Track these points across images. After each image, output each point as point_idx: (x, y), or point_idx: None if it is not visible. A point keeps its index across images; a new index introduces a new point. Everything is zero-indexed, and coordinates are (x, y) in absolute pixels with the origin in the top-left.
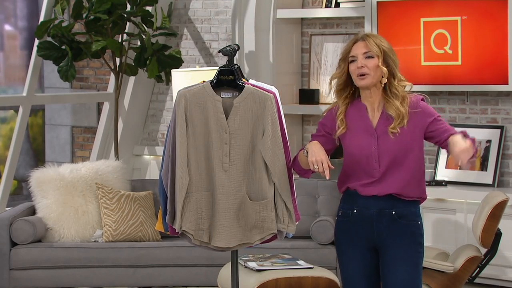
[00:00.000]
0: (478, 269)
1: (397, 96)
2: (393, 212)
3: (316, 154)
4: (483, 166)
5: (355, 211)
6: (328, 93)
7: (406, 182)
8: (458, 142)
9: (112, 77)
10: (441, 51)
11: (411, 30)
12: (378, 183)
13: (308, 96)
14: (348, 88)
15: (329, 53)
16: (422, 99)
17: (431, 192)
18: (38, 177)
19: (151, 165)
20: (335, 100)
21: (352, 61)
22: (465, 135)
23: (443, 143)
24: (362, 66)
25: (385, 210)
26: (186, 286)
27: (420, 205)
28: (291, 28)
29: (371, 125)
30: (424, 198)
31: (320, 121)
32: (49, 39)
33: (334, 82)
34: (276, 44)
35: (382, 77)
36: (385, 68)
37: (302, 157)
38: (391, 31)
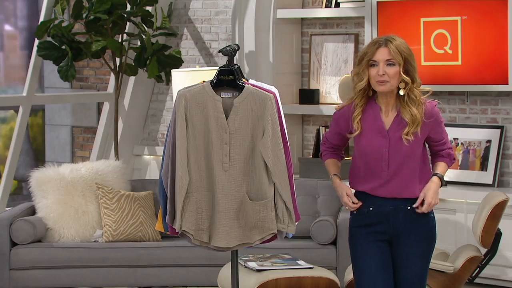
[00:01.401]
0: (478, 269)
1: (414, 101)
2: (408, 208)
3: (343, 197)
4: (483, 166)
5: (371, 208)
6: (335, 94)
7: (415, 183)
8: (432, 186)
9: (112, 77)
10: (441, 51)
11: (411, 30)
12: (387, 184)
13: (308, 96)
14: (367, 90)
15: (329, 53)
16: (436, 105)
17: None
18: (38, 177)
19: (151, 165)
20: (351, 96)
21: (373, 65)
22: (449, 160)
23: (431, 154)
24: (383, 74)
25: (400, 206)
26: (186, 286)
27: None
28: (291, 28)
29: (384, 127)
30: None
31: (334, 116)
32: (49, 39)
33: (355, 81)
34: (276, 44)
35: (401, 82)
36: (407, 77)
37: (328, 168)
38: (391, 31)
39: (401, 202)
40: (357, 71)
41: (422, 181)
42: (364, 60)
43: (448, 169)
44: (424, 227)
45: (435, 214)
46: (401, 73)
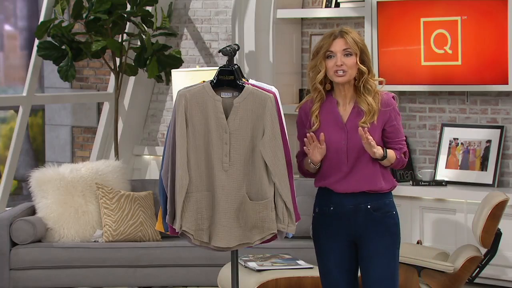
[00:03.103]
0: (478, 269)
1: (370, 91)
2: (369, 206)
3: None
4: (483, 166)
5: (331, 208)
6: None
7: (376, 176)
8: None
9: (112, 77)
10: (441, 51)
11: (411, 30)
12: (348, 177)
13: None
14: (324, 83)
15: None
16: (393, 97)
17: (431, 192)
18: (38, 177)
19: (151, 165)
20: (308, 94)
21: (330, 56)
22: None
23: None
24: (342, 64)
25: (360, 205)
26: (186, 286)
27: (392, 194)
28: (291, 28)
29: (341, 120)
30: (395, 186)
31: (296, 120)
32: (49, 39)
33: (312, 75)
34: (276, 44)
35: (358, 73)
36: (364, 67)
37: (308, 167)
38: (391, 31)
39: (361, 199)
40: (313, 65)
41: (384, 178)
42: (320, 53)
43: (448, 169)
44: (385, 225)
45: (434, 214)
46: (358, 63)
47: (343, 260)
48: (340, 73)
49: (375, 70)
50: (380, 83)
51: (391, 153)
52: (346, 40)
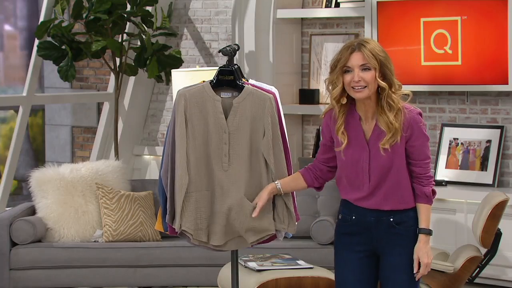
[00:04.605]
0: (478, 269)
1: (392, 107)
2: (391, 219)
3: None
4: (483, 166)
5: (353, 217)
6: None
7: (399, 196)
8: (421, 246)
9: (112, 77)
10: (441, 51)
11: (411, 30)
12: (369, 197)
13: (308, 96)
14: (345, 96)
15: (329, 53)
16: (419, 114)
17: None
18: (38, 177)
19: (151, 165)
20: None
21: (348, 71)
22: (427, 196)
23: (411, 176)
24: (359, 80)
25: (382, 218)
26: (186, 286)
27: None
28: (291, 28)
29: (364, 138)
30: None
31: (321, 129)
32: (49, 39)
33: (331, 90)
34: (276, 44)
35: (379, 86)
36: (383, 83)
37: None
38: (391, 31)
39: (384, 213)
40: (331, 79)
41: (408, 197)
42: (337, 67)
43: (448, 169)
44: (408, 239)
45: (434, 214)
46: (377, 78)
47: (361, 272)
48: (359, 88)
49: None
50: (406, 95)
51: (425, 217)
52: (363, 54)
